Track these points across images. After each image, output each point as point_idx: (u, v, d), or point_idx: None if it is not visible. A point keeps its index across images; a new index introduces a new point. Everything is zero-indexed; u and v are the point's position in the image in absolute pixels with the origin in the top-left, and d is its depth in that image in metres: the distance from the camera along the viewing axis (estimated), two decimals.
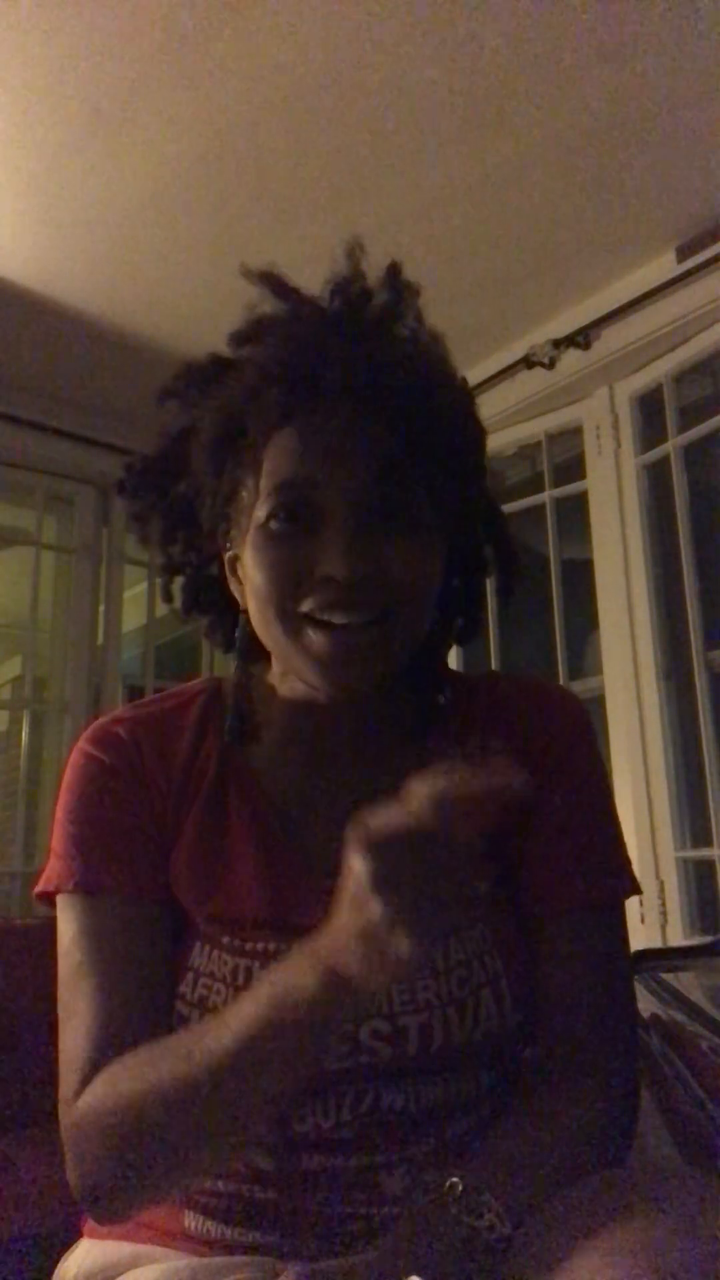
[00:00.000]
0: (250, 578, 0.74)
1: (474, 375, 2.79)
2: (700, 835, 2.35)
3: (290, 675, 0.78)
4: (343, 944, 0.57)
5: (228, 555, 0.79)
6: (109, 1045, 0.70)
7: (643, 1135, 0.79)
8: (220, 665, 2.64)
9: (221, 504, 0.77)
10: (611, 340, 2.57)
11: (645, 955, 1.26)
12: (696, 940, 2.16)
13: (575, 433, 2.75)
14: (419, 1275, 0.56)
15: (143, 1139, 0.65)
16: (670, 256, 2.41)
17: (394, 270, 0.80)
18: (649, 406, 2.62)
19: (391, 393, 0.70)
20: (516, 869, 0.79)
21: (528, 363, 2.69)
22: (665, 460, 2.53)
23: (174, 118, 2.00)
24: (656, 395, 2.58)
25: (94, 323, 2.62)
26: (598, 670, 2.62)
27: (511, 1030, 0.74)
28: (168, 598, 0.87)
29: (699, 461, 2.50)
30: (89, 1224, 0.78)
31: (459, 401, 0.78)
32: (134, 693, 3.18)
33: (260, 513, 0.72)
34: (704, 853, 2.33)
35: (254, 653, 0.79)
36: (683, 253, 2.39)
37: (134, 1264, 0.71)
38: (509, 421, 2.84)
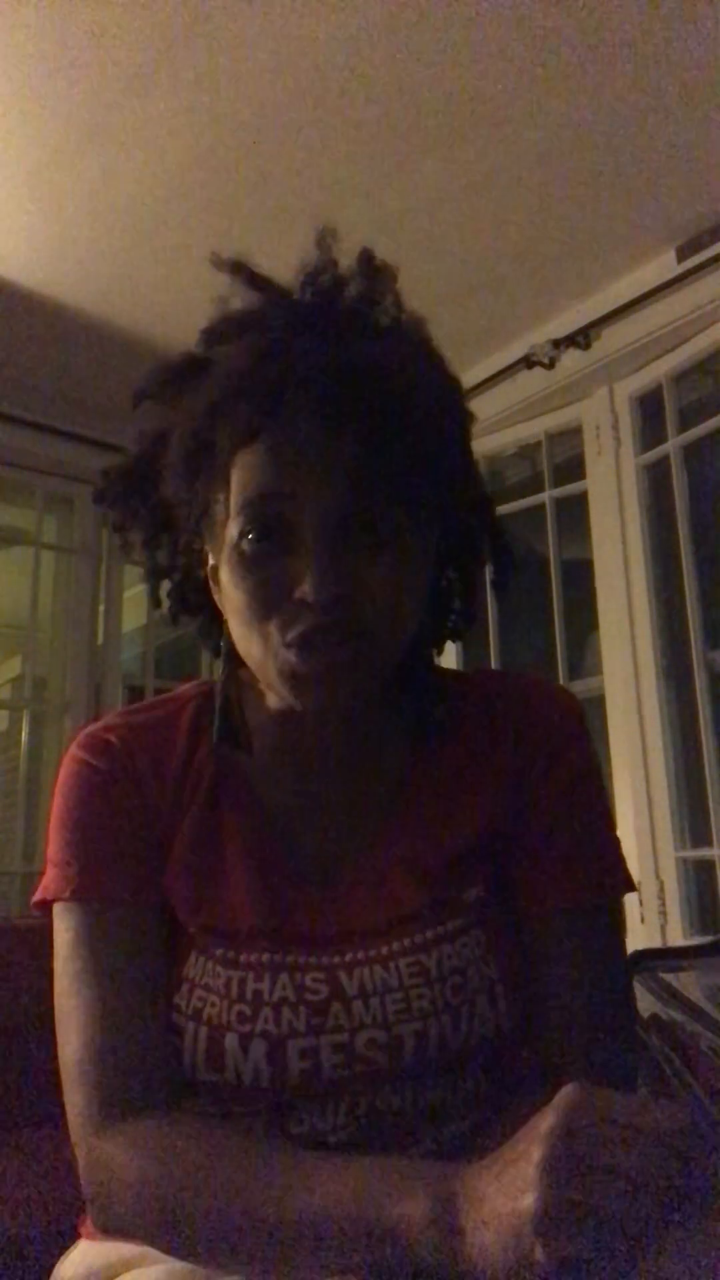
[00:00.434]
0: (228, 596, 0.73)
1: (474, 375, 2.79)
2: (700, 835, 2.35)
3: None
4: (489, 1241, 0.51)
5: (209, 565, 0.78)
6: (113, 1056, 0.70)
7: None
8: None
9: (196, 518, 0.75)
10: (611, 340, 2.57)
11: (645, 955, 1.26)
12: (696, 940, 2.16)
13: (575, 433, 2.75)
14: None
15: (178, 1238, 0.65)
16: (670, 256, 2.41)
17: (367, 257, 0.77)
18: (649, 406, 2.62)
19: (362, 398, 0.67)
20: (510, 870, 0.78)
21: (528, 363, 2.69)
22: (665, 460, 2.53)
23: (174, 118, 2.00)
24: (656, 395, 2.58)
25: (94, 323, 2.62)
26: (598, 670, 2.62)
27: (508, 1033, 0.74)
28: (156, 603, 0.85)
29: (699, 461, 2.50)
30: (87, 1225, 0.78)
31: (439, 392, 0.74)
32: (134, 693, 3.18)
33: (233, 530, 0.70)
34: (704, 853, 2.33)
35: (239, 659, 0.77)
36: (683, 253, 2.39)
37: (132, 1265, 0.71)
38: (509, 421, 2.84)
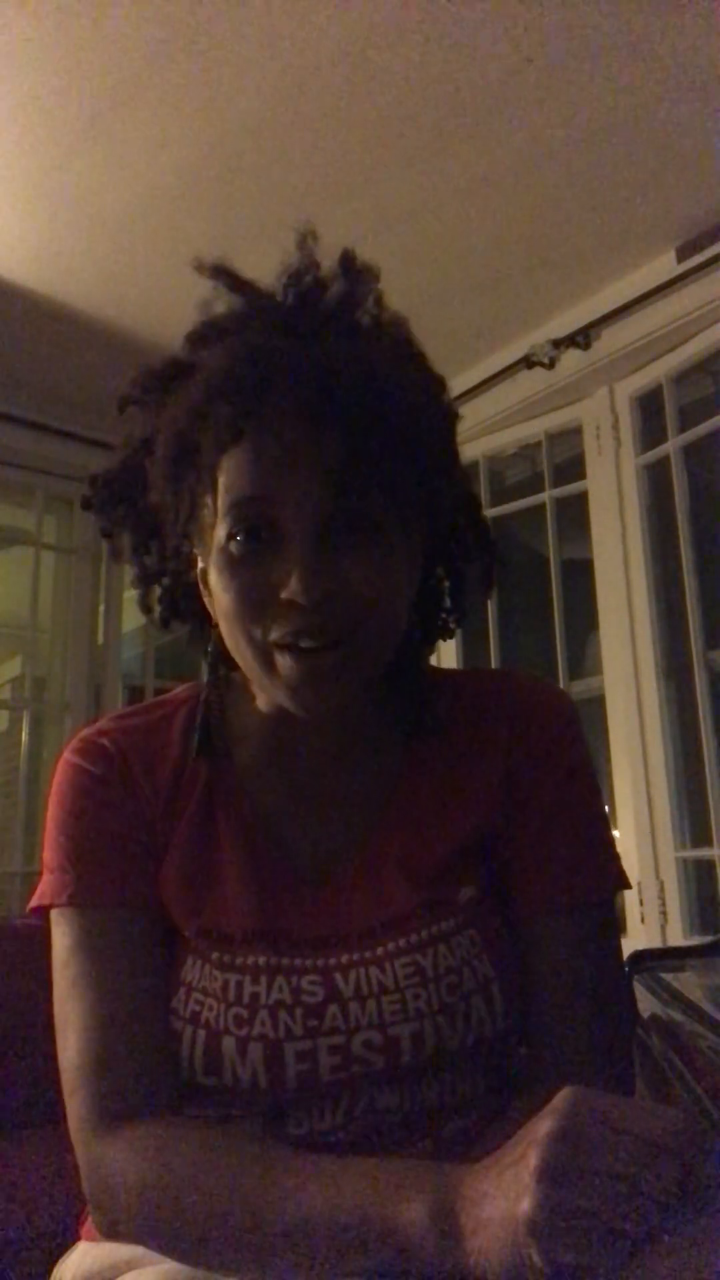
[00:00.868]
0: (218, 599, 0.73)
1: (474, 375, 2.79)
2: (700, 835, 2.35)
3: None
4: (490, 1239, 0.51)
5: (199, 568, 0.78)
6: (112, 1060, 0.70)
7: None
8: None
9: (184, 521, 0.75)
10: (611, 340, 2.57)
11: (645, 955, 1.26)
12: (696, 940, 2.16)
13: (575, 433, 2.75)
14: None
15: (177, 1242, 0.65)
16: (670, 256, 2.42)
17: (348, 258, 0.77)
18: (649, 406, 2.62)
19: (343, 398, 0.67)
20: (504, 869, 0.78)
21: (528, 363, 2.69)
22: (665, 460, 2.53)
23: (174, 118, 2.00)
24: (656, 395, 2.58)
25: (93, 323, 2.62)
26: (598, 670, 2.62)
27: (504, 1032, 0.74)
28: (146, 609, 0.85)
29: (699, 461, 2.50)
30: (87, 1226, 0.78)
31: (420, 390, 0.75)
32: (134, 693, 3.18)
33: (220, 533, 0.71)
34: (704, 853, 2.32)
35: (230, 662, 0.77)
36: (683, 253, 2.39)
37: (132, 1266, 0.71)
38: (509, 421, 2.84)
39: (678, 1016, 1.01)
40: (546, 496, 2.79)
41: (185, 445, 0.72)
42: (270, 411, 0.68)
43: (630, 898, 2.37)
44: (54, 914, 0.77)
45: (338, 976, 0.72)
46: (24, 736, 3.01)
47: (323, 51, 1.85)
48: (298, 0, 1.75)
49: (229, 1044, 0.70)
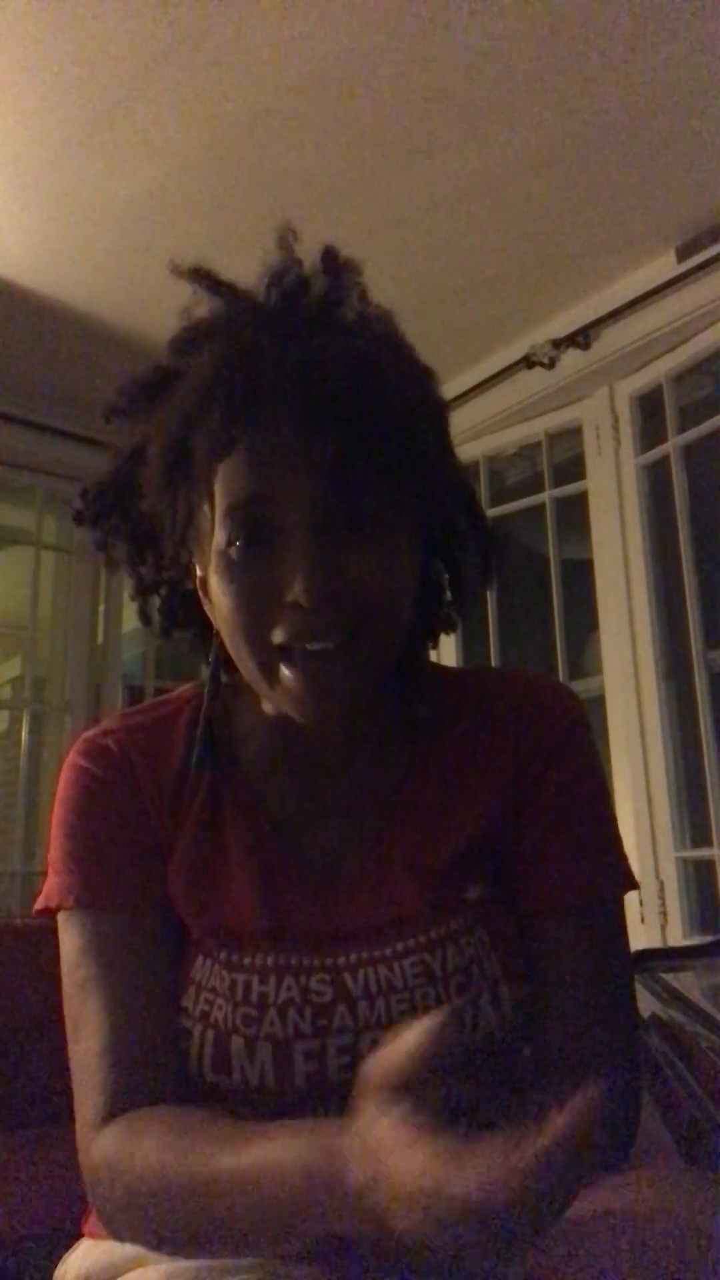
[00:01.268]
0: (219, 605, 0.72)
1: (474, 375, 2.79)
2: (700, 835, 2.35)
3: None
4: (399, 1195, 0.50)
5: (198, 576, 0.77)
6: (122, 1062, 0.70)
7: (643, 1135, 0.79)
8: None
9: (180, 529, 0.74)
10: (611, 340, 2.57)
11: (645, 955, 1.26)
12: (696, 940, 2.16)
13: (575, 433, 2.75)
14: None
15: (162, 1224, 0.65)
16: (670, 256, 2.42)
17: (330, 253, 0.77)
18: (649, 406, 2.62)
19: (335, 394, 0.67)
20: (511, 867, 0.78)
21: (528, 363, 2.69)
22: (665, 460, 2.53)
23: (173, 118, 2.00)
24: (656, 395, 2.58)
25: (93, 322, 2.62)
26: (598, 670, 2.62)
27: (510, 1031, 0.74)
28: (145, 619, 0.84)
29: (699, 461, 2.50)
30: (89, 1224, 0.78)
31: (409, 381, 0.74)
32: (134, 693, 3.18)
33: (219, 538, 0.70)
34: (704, 853, 2.33)
35: (233, 669, 0.77)
36: (683, 253, 2.39)
37: (135, 1265, 0.71)
38: (509, 421, 2.84)
39: (678, 1016, 1.02)
40: (546, 496, 2.79)
41: (178, 453, 0.71)
42: (262, 414, 0.67)
43: (630, 897, 2.36)
44: (61, 916, 0.76)
45: (346, 976, 0.72)
46: (24, 736, 3.00)
47: (322, 52, 1.85)
48: (297, 1, 1.75)
49: (238, 1043, 0.71)
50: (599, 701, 2.57)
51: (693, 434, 2.48)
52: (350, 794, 0.79)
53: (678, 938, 2.29)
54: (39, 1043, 0.80)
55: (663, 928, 2.33)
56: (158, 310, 2.50)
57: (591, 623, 2.66)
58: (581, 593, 2.69)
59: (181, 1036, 0.73)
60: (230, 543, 0.70)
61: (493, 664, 2.74)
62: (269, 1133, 0.60)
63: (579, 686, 2.64)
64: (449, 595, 0.84)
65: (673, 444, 2.51)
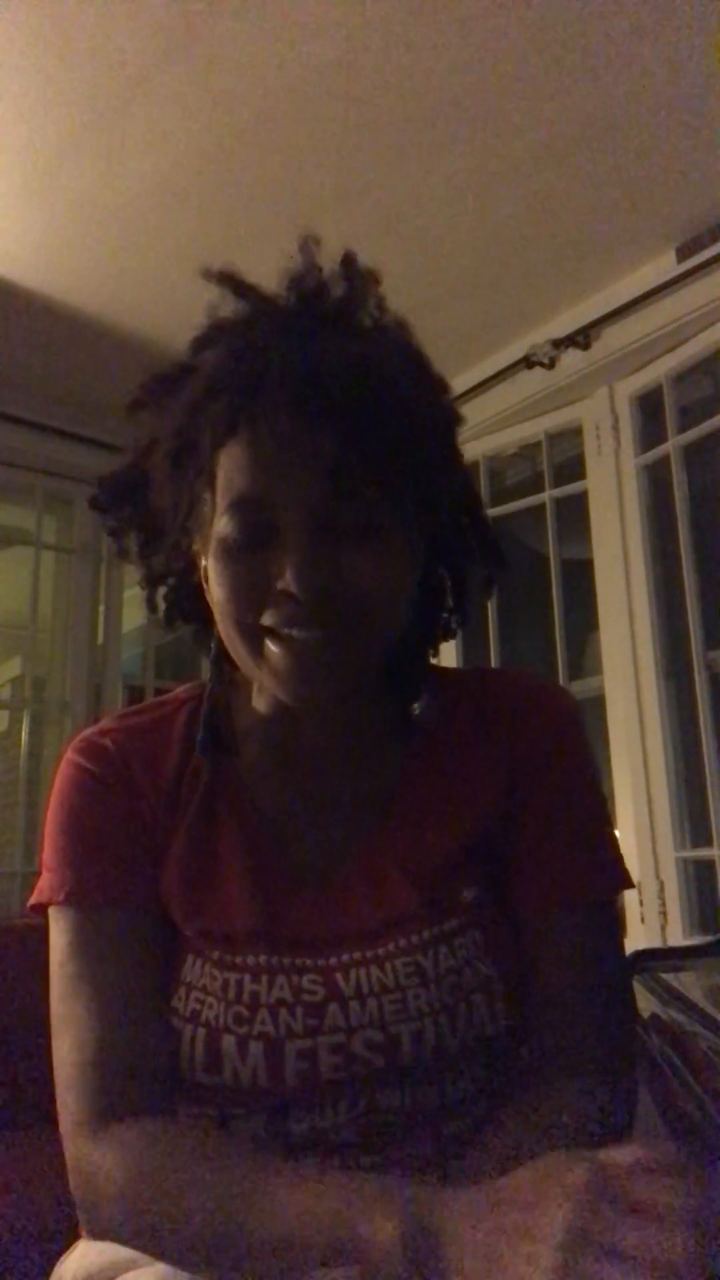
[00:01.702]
0: (213, 590, 0.73)
1: (474, 375, 2.79)
2: (700, 835, 2.35)
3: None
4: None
5: (202, 568, 0.78)
6: (111, 1060, 0.70)
7: (641, 1134, 0.79)
8: None
9: (184, 517, 0.76)
10: (611, 340, 2.57)
11: (645, 955, 1.26)
12: (696, 940, 2.16)
13: (575, 433, 2.75)
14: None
15: (158, 1247, 0.65)
16: (670, 256, 2.42)
17: (349, 260, 0.78)
18: (649, 406, 2.62)
19: (340, 392, 0.68)
20: (506, 867, 0.78)
21: (528, 363, 2.69)
22: (665, 460, 2.53)
23: (172, 119, 2.00)
24: (656, 395, 2.58)
25: (94, 322, 2.62)
26: (598, 670, 2.62)
27: (505, 1032, 0.74)
28: (152, 608, 0.85)
29: (699, 461, 2.50)
30: None
31: (419, 388, 0.75)
32: (134, 693, 3.18)
33: (219, 527, 0.71)
34: (704, 853, 2.32)
35: (232, 662, 0.78)
36: (683, 253, 2.39)
37: (132, 1266, 0.71)
38: (509, 421, 2.84)
39: (678, 1016, 1.01)
40: (546, 496, 2.79)
41: (184, 441, 0.73)
42: (265, 406, 0.68)
43: (630, 898, 2.37)
44: (52, 912, 0.77)
45: (338, 976, 0.72)
46: (24, 736, 3.01)
47: (322, 51, 1.85)
48: (297, 1, 1.75)
49: (229, 1042, 0.71)
50: (599, 701, 2.57)
51: (693, 434, 2.48)
52: (346, 794, 0.80)
53: (678, 938, 2.29)
54: (39, 1042, 0.80)
55: (663, 928, 2.33)
56: (158, 310, 2.51)
57: (591, 623, 2.66)
58: (581, 593, 2.69)
59: (171, 1036, 0.72)
60: (229, 532, 0.71)
61: (493, 664, 2.74)
62: (301, 1187, 0.59)
63: (579, 686, 2.64)
64: (450, 603, 0.85)
65: (673, 444, 2.50)
